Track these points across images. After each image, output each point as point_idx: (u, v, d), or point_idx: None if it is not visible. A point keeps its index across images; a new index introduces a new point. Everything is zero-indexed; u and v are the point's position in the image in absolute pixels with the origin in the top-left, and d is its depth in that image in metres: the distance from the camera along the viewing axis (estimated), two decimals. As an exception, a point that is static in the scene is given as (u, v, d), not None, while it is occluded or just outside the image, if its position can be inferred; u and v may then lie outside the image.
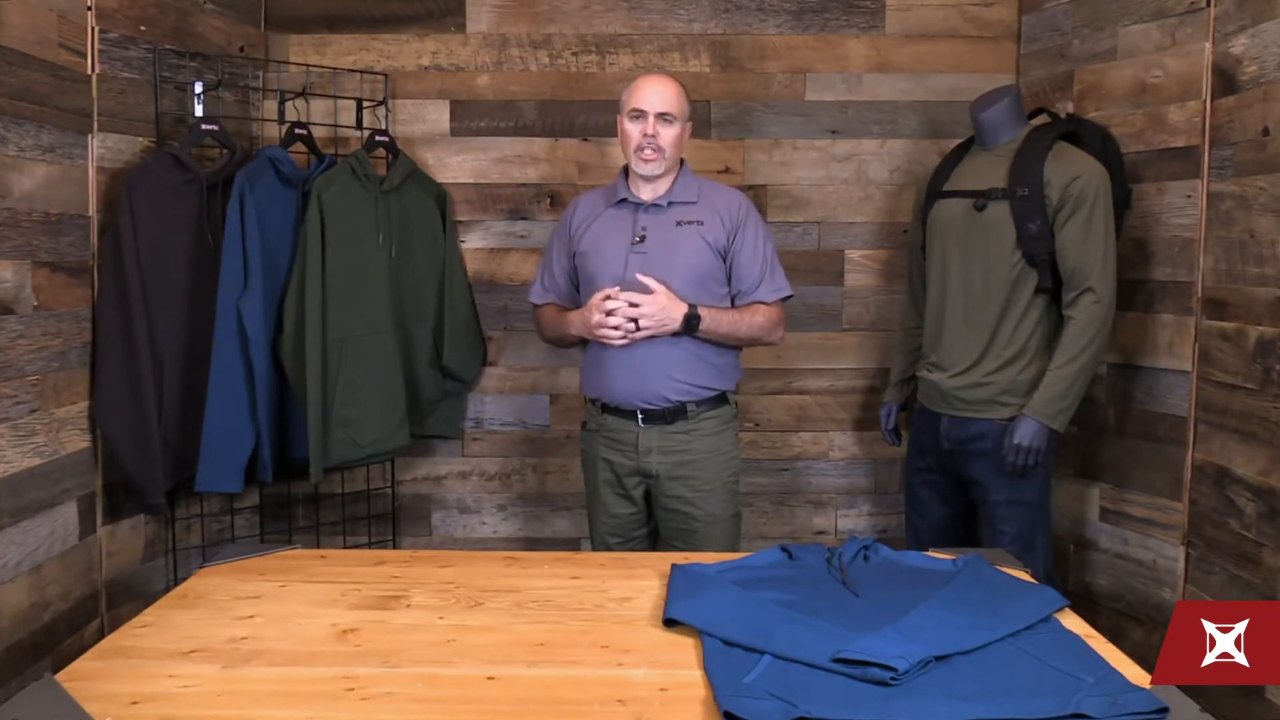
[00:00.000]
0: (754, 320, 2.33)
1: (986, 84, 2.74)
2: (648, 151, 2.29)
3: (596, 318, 2.25)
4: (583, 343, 2.46)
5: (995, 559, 1.86)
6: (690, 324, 2.25)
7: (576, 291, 2.45)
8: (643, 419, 2.33)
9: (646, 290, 2.24)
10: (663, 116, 2.29)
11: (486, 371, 3.04)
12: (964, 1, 2.95)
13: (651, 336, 2.26)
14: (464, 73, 2.97)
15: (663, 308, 2.23)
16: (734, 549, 2.31)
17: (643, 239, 2.32)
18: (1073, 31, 2.71)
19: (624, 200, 2.38)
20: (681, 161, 2.41)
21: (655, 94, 2.29)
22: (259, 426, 2.51)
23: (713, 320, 2.27)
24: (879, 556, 1.85)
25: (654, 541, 2.48)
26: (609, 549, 2.45)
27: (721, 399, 2.37)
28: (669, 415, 2.32)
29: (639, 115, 2.29)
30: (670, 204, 2.35)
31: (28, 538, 2.07)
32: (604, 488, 2.42)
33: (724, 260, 2.35)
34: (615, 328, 2.23)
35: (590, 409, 2.44)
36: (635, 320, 2.23)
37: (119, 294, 2.28)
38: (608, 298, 2.24)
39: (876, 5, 2.96)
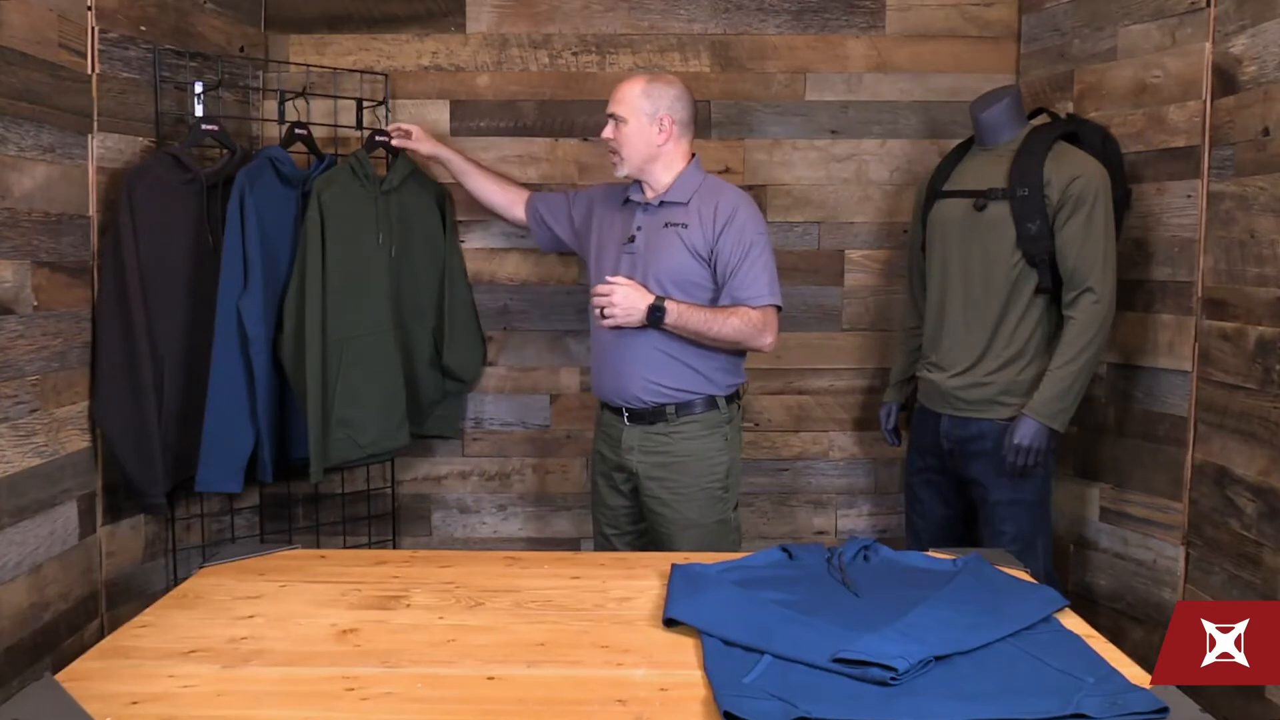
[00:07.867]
0: (729, 321, 2.26)
1: (986, 84, 2.74)
2: (611, 155, 2.35)
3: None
4: None
5: (995, 559, 1.86)
6: (654, 315, 2.24)
7: (560, 226, 2.60)
8: (627, 416, 2.37)
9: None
10: (612, 117, 2.33)
11: (486, 371, 3.04)
12: (964, 1, 2.95)
13: (618, 327, 2.27)
14: (464, 73, 2.97)
15: (626, 296, 2.24)
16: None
17: (633, 239, 2.35)
18: (1073, 31, 2.71)
19: (629, 199, 2.43)
20: (693, 155, 2.41)
21: (612, 97, 2.34)
22: (259, 426, 2.51)
23: (679, 315, 2.24)
24: (879, 556, 1.86)
25: (652, 537, 2.49)
26: (607, 541, 2.50)
27: (710, 403, 2.36)
28: (649, 416, 2.35)
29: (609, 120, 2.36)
30: (661, 204, 2.36)
31: (28, 538, 2.07)
32: (600, 479, 2.50)
33: (708, 263, 2.31)
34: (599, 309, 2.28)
35: (599, 404, 2.51)
36: (602, 309, 2.26)
37: (119, 294, 2.28)
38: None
39: (876, 5, 2.95)
